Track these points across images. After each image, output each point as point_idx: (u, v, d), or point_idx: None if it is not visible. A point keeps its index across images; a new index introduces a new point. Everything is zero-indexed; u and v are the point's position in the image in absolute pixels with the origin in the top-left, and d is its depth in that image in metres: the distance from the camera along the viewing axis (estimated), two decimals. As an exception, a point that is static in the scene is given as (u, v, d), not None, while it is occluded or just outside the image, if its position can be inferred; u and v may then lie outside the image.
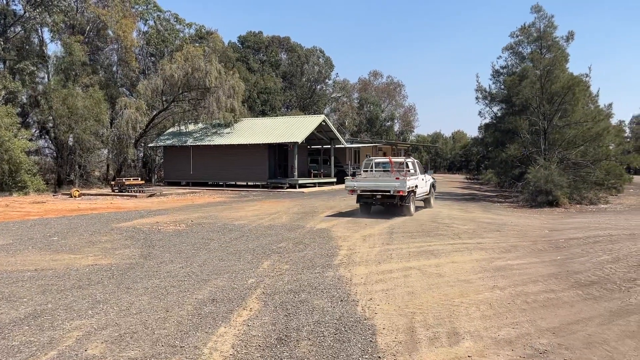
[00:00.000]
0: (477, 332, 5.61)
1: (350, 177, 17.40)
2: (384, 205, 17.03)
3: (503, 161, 27.44)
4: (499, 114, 32.48)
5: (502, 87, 31.75)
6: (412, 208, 16.76)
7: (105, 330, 5.61)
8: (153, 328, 5.69)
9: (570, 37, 29.44)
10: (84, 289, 7.43)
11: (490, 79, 34.23)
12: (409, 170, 17.56)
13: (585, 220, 16.28)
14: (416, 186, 17.05)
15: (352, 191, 16.76)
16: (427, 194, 19.30)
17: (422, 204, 19.52)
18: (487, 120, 34.59)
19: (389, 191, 15.87)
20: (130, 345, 5.16)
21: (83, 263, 9.32)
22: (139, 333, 5.53)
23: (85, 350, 5.02)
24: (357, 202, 17.36)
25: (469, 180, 50.66)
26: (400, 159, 19.06)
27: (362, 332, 5.57)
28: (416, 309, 6.43)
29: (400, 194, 15.75)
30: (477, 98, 32.26)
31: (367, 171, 18.63)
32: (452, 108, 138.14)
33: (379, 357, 4.90)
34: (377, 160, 19.55)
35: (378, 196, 16.30)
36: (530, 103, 25.70)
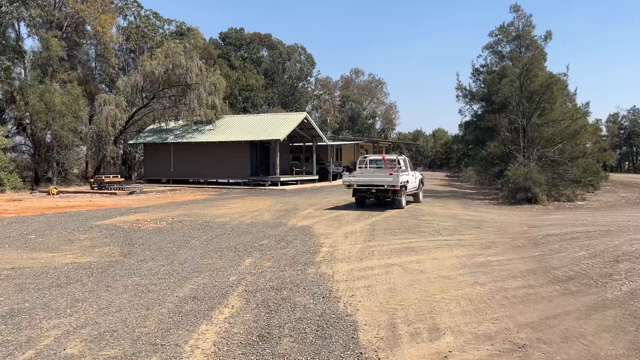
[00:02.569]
0: (457, 327, 5.67)
1: (347, 172, 19.26)
2: (378, 198, 18.45)
3: (483, 159, 27.77)
4: (479, 112, 32.85)
5: (482, 85, 32.12)
6: (404, 201, 18.17)
7: (84, 329, 5.53)
8: (133, 326, 5.63)
9: (548, 36, 29.92)
10: (63, 287, 7.32)
11: (471, 78, 34.60)
12: (400, 167, 18.63)
13: (562, 217, 16.56)
14: (407, 182, 18.29)
15: (349, 186, 18.05)
16: (416, 189, 20.45)
17: (411, 198, 20.42)
18: (468, 118, 34.96)
19: (382, 186, 17.23)
20: (110, 344, 5.10)
21: (61, 261, 9.18)
22: (119, 331, 5.47)
23: (64, 350, 4.94)
24: (353, 196, 18.82)
25: (450, 178, 51.06)
26: (393, 157, 20.45)
27: (344, 329, 5.59)
28: (397, 305, 6.48)
29: (393, 188, 17.13)
30: (457, 96, 32.61)
31: (362, 168, 20.01)
32: (433, 106, 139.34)
33: (361, 353, 4.93)
34: (371, 158, 21.12)
35: (373, 190, 17.71)
36: (510, 101, 26.05)
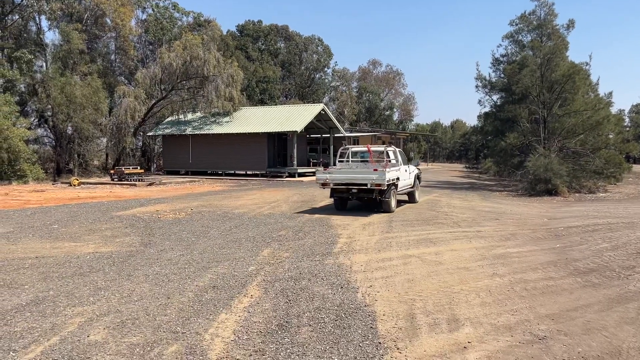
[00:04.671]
0: (476, 318, 5.64)
1: (322, 168, 15.64)
2: (362, 200, 15.24)
3: (502, 150, 27.45)
4: (499, 103, 32.48)
5: (502, 75, 31.71)
6: (393, 204, 14.69)
7: (107, 317, 5.63)
8: (154, 314, 5.72)
9: (570, 25, 29.36)
10: (85, 276, 7.46)
11: (490, 68, 34.26)
12: (389, 161, 15.64)
13: (584, 209, 16.32)
14: (397, 178, 14.97)
15: (324, 184, 14.69)
16: (411, 187, 17.03)
17: (405, 197, 17.42)
18: (487, 109, 34.61)
19: (365, 184, 13.94)
20: (132, 332, 5.19)
21: (84, 251, 9.34)
22: (140, 319, 5.55)
23: (88, 336, 5.04)
24: (330, 197, 15.47)
25: (468, 170, 50.67)
26: (380, 148, 16.93)
27: (363, 319, 5.60)
28: (416, 296, 6.47)
29: (379, 187, 13.86)
30: (477, 87, 32.30)
31: (342, 161, 16.62)
32: (451, 97, 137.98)
33: (380, 342, 4.94)
34: (354, 149, 17.38)
35: (354, 190, 14.36)
36: (530, 92, 25.65)
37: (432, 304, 6.16)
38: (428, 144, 70.49)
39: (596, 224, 12.36)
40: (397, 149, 16.58)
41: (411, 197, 17.47)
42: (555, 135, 24.67)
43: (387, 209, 14.46)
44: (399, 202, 16.07)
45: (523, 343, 4.95)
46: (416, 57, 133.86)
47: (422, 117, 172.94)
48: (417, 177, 17.84)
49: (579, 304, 6.16)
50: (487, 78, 32.42)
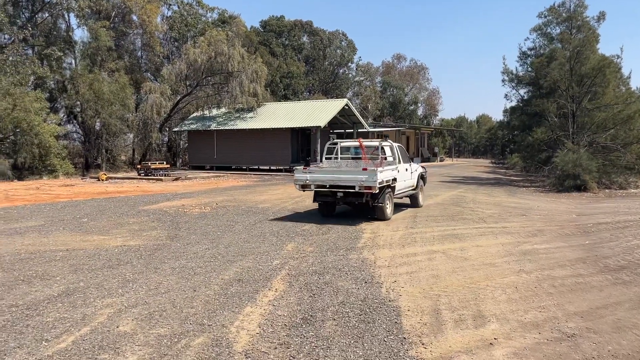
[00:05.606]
0: (503, 315, 5.58)
1: (302, 167, 12.72)
2: (352, 205, 13.16)
3: (529, 145, 26.99)
4: (526, 97, 31.95)
5: (530, 69, 31.16)
6: (389, 210, 12.41)
7: (135, 308, 5.74)
8: (181, 307, 5.81)
9: (601, 17, 28.65)
10: (114, 268, 7.61)
11: (517, 61, 33.61)
12: (385, 158, 13.61)
13: (614, 205, 15.95)
14: (394, 179, 12.67)
15: (304, 187, 12.33)
16: (412, 189, 14.63)
17: (407, 201, 15.10)
18: (514, 104, 34.08)
19: (353, 187, 11.60)
20: (159, 323, 5.28)
21: (112, 244, 9.53)
22: (167, 311, 5.65)
23: (117, 327, 5.15)
24: (314, 202, 13.04)
25: (494, 165, 50.01)
26: (375, 143, 14.35)
27: (387, 314, 5.59)
28: (441, 292, 6.42)
29: (369, 191, 11.48)
30: (503, 81, 31.78)
31: (330, 158, 14.41)
32: (477, 92, 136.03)
33: (404, 337, 4.92)
34: (344, 144, 14.61)
35: (340, 194, 12.06)
36: (559, 85, 25.14)
37: (458, 299, 6.11)
38: (453, 139, 69.65)
39: (627, 221, 12.06)
40: (396, 144, 14.18)
41: (414, 201, 14.95)
42: (585, 129, 24.13)
43: (380, 216, 12.16)
44: (399, 206, 14.30)
45: (551, 340, 4.88)
46: (441, 52, 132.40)
47: (447, 111, 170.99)
48: (422, 177, 15.36)
49: (609, 302, 6.03)
50: (514, 72, 31.90)
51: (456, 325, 5.25)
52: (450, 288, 6.59)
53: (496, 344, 4.79)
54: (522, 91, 32.39)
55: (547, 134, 25.82)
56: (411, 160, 14.78)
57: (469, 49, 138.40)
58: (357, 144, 14.29)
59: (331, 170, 12.56)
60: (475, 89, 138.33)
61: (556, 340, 4.88)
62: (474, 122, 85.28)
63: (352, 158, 14.12)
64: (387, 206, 12.29)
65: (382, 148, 13.77)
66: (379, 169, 11.61)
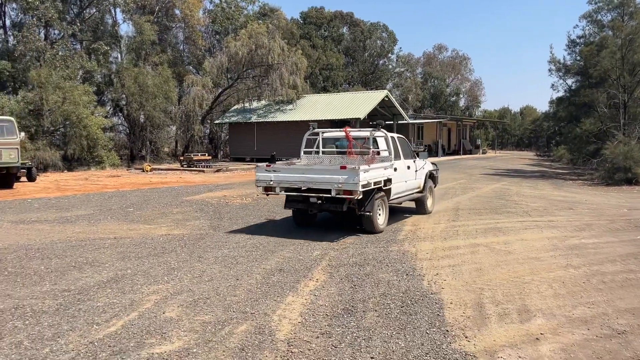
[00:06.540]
0: (549, 310, 5.43)
1: (265, 165, 9.78)
2: (333, 213, 10.24)
3: (577, 137, 26.15)
4: (574, 87, 30.86)
5: (578, 58, 30.05)
6: (380, 220, 9.70)
7: (180, 296, 5.89)
8: (224, 295, 5.92)
9: (656, 2, 27.28)
10: (159, 256, 7.82)
11: (565, 50, 32.74)
12: (378, 153, 10.78)
13: (668, 199, 15.26)
14: (388, 180, 9.94)
15: (268, 190, 9.63)
16: (418, 191, 11.81)
17: (412, 205, 12.26)
18: (560, 94, 33.01)
19: (328, 191, 8.88)
20: (204, 310, 5.40)
21: (157, 233, 9.79)
22: (211, 299, 5.77)
23: (163, 313, 5.30)
24: (285, 208, 10.33)
25: (539, 157, 48.66)
26: (365, 133, 11.27)
27: (429, 306, 5.54)
28: (484, 285, 6.31)
29: (349, 195, 8.74)
30: (550, 70, 30.85)
31: (310, 153, 11.59)
32: (521, 82, 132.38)
33: (447, 330, 4.87)
34: (327, 135, 11.74)
35: (313, 199, 9.40)
36: (609, 75, 24.18)
37: (502, 293, 5.99)
38: (496, 131, 68.13)
39: (682, 216, 11.53)
40: (395, 135, 11.40)
41: (420, 206, 12.07)
42: (637, 121, 23.19)
43: (368, 228, 9.51)
44: (403, 212, 11.92)
45: (600, 337, 4.72)
46: (484, 41, 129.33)
47: (490, 103, 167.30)
48: (431, 177, 12.43)
49: (663, 299, 5.79)
50: (562, 61, 30.86)
51: (500, 319, 5.15)
52: (494, 282, 6.46)
53: (542, 339, 4.68)
54: (569, 81, 31.36)
55: (596, 126, 24.93)
56: (416, 155, 11.88)
57: (513, 38, 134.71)
58: (342, 134, 11.16)
59: (302, 169, 9.56)
60: (520, 79, 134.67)
61: (606, 337, 4.72)
62: (517, 114, 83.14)
63: (338, 152, 11.26)
64: (376, 216, 9.55)
65: (375, 140, 10.88)
66: (364, 167, 8.94)
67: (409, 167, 11.17)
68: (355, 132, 11.50)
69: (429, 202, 12.16)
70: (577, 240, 9.02)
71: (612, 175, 20.60)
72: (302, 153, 11.51)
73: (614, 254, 7.97)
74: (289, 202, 9.97)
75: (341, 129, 11.23)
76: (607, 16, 29.41)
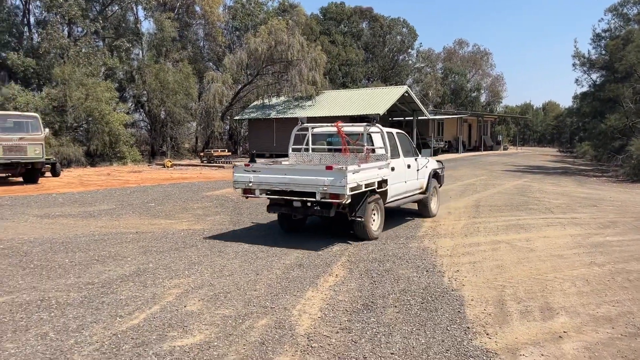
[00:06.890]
0: (573, 308, 5.35)
1: (244, 164, 9.00)
2: (321, 216, 9.19)
3: (601, 132, 25.65)
4: (598, 82, 30.31)
5: (604, 52, 29.48)
6: (374, 226, 8.83)
7: (201, 290, 5.95)
8: (245, 289, 5.96)
9: (685, -6, 26.61)
10: (180, 251, 7.91)
11: (590, 44, 32.24)
12: (373, 150, 9.75)
13: (696, 197, 14.89)
14: (384, 181, 9.01)
15: (247, 192, 8.81)
16: (420, 191, 10.94)
17: (414, 206, 11.36)
18: (585, 89, 32.46)
19: (313, 194, 7.93)
20: (224, 304, 5.45)
21: (178, 227, 9.90)
22: (232, 293, 5.81)
23: (185, 307, 5.36)
24: (268, 212, 9.25)
25: (561, 154, 47.90)
26: (359, 128, 10.21)
27: (450, 303, 5.50)
28: (506, 282, 6.24)
29: (336, 200, 7.79)
30: (574, 65, 30.38)
31: (299, 150, 10.66)
32: (543, 78, 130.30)
33: (468, 327, 4.83)
34: (317, 131, 10.74)
35: (296, 203, 8.43)
36: (636, 69, 23.66)
37: (523, 291, 5.92)
38: (517, 127, 67.17)
39: None
40: (393, 130, 10.37)
41: (422, 208, 11.14)
42: (664, 116, 22.63)
43: (360, 234, 8.62)
44: (403, 214, 11.08)
45: (625, 336, 4.64)
46: (505, 36, 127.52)
47: (512, 98, 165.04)
48: (435, 176, 11.53)
49: (691, 298, 5.65)
50: (586, 55, 30.29)
51: (522, 317, 5.09)
52: (515, 279, 6.39)
53: (566, 337, 4.61)
54: (594, 76, 30.81)
55: (622, 121, 24.41)
56: (418, 152, 10.99)
57: (534, 32, 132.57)
58: (334, 130, 10.15)
59: (284, 169, 8.48)
60: (542, 74, 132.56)
61: (631, 336, 4.63)
62: (539, 109, 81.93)
63: (329, 150, 10.41)
64: (372, 221, 8.77)
65: (370, 136, 9.86)
66: (353, 167, 7.97)
67: (409, 166, 10.27)
68: (348, 128, 10.36)
69: (432, 204, 11.20)
70: (601, 238, 8.87)
71: (637, 172, 20.19)
72: (290, 150, 10.64)
73: (640, 252, 7.82)
74: (271, 206, 9.02)
75: (333, 124, 10.24)
76: (633, 9, 28.79)
